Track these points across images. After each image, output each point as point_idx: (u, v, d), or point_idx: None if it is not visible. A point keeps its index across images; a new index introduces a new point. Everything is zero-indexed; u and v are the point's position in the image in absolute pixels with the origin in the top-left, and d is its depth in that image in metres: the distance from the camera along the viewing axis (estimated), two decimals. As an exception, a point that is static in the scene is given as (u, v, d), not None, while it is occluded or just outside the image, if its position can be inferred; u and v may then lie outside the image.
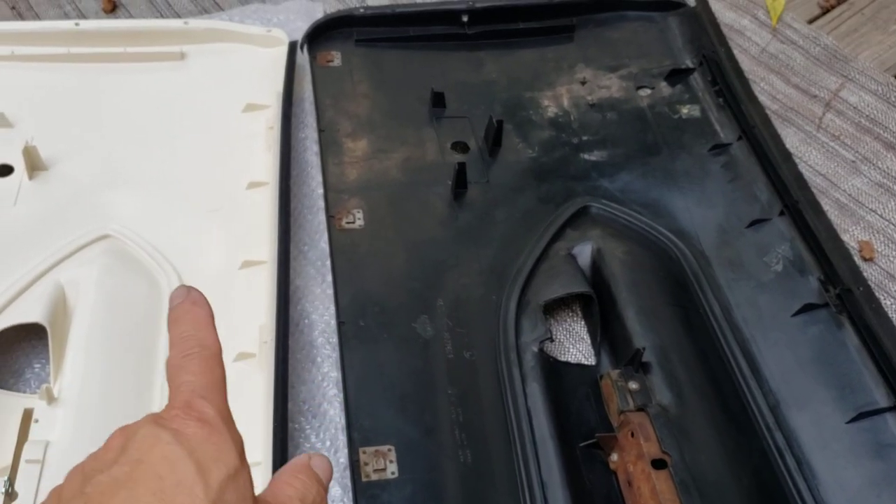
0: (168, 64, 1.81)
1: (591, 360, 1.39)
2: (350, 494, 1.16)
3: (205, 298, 0.71)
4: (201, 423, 0.59)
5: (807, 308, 1.34)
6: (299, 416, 1.33)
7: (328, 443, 1.30)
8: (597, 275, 1.43)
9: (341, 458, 1.26)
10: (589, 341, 1.41)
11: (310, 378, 1.37)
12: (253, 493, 0.60)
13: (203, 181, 1.60)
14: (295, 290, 1.47)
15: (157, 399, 1.31)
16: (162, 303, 1.42)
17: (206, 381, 0.64)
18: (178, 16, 1.99)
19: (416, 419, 1.21)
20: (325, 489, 0.70)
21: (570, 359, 1.40)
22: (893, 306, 1.44)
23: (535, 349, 1.32)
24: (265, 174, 1.57)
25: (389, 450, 1.15)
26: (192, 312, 0.69)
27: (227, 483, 0.56)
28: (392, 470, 1.14)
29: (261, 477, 1.19)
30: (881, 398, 1.22)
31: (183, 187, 1.59)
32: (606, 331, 1.39)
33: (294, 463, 0.69)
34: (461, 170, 1.50)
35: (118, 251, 1.49)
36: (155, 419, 0.60)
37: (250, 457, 1.22)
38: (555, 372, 1.33)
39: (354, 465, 1.13)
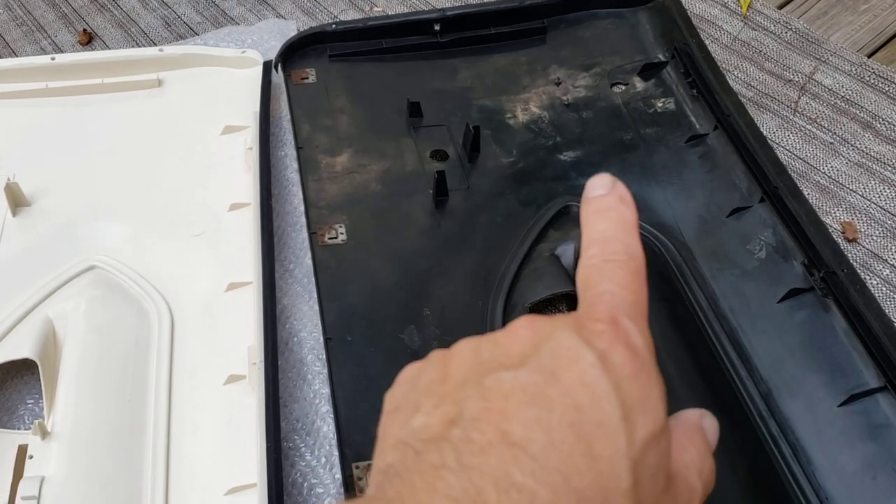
0: (145, 92, 1.82)
1: (581, 360, 1.39)
2: (347, 510, 1.16)
3: (632, 198, 0.58)
4: (630, 353, 0.47)
5: (792, 293, 1.34)
6: (293, 435, 1.33)
7: (323, 459, 1.30)
8: (581, 274, 1.43)
9: (337, 473, 1.26)
10: (578, 341, 1.41)
11: (302, 396, 1.37)
12: (669, 462, 0.48)
13: (185, 206, 1.61)
14: (282, 310, 1.47)
15: (151, 428, 1.31)
16: (150, 331, 1.43)
17: (633, 300, 0.52)
18: (154, 43, 1.99)
19: (407, 430, 1.20)
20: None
21: (559, 359, 1.40)
22: (880, 286, 1.45)
23: (524, 352, 1.32)
24: (246, 195, 1.58)
25: (382, 463, 1.15)
26: (618, 210, 0.55)
27: (651, 443, 0.45)
28: (386, 483, 1.13)
29: (257, 499, 1.19)
30: (871, 379, 1.22)
31: (166, 213, 1.60)
32: (594, 329, 1.39)
33: (685, 421, 0.57)
34: (441, 178, 1.51)
35: (105, 282, 1.50)
36: (575, 325, 0.47)
37: (244, 479, 1.24)
38: (545, 374, 1.33)
39: (348, 481, 1.12)
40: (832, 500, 1.14)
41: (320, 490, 1.27)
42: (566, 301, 1.46)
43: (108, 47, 2.00)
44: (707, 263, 1.42)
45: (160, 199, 1.62)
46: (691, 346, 1.34)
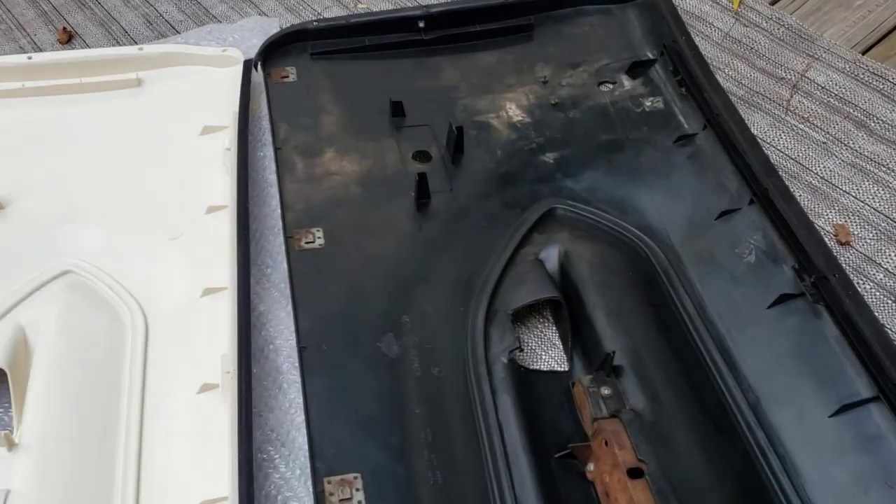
0: (125, 91, 1.78)
1: (564, 366, 1.35)
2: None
3: None
4: None
5: (782, 299, 1.30)
6: (268, 446, 1.29)
7: (297, 471, 1.26)
8: (565, 278, 1.39)
9: (311, 486, 1.22)
10: (560, 347, 1.38)
11: (277, 405, 1.33)
12: None
13: (162, 208, 1.57)
14: (258, 316, 1.43)
15: (122, 439, 1.28)
16: (124, 338, 1.39)
17: None
18: (135, 42, 1.95)
19: (383, 443, 1.17)
20: None
21: (541, 366, 1.36)
22: (873, 291, 1.41)
23: (505, 360, 1.28)
24: (224, 197, 1.54)
25: (356, 478, 1.12)
26: None
27: None
28: (359, 499, 1.10)
29: (229, 513, 1.16)
30: (863, 389, 1.18)
31: (143, 216, 1.56)
32: (577, 335, 1.35)
33: None
34: (423, 180, 1.47)
35: (79, 286, 1.46)
36: None
37: (216, 492, 1.20)
38: (526, 382, 1.30)
39: (319, 497, 1.09)
40: (822, 515, 1.10)
41: (294, 503, 1.23)
42: (550, 306, 1.42)
43: (88, 46, 1.96)
44: (695, 267, 1.38)
45: (137, 201, 1.59)
46: (677, 353, 1.30)
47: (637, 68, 1.68)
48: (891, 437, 1.13)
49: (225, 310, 1.39)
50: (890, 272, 1.42)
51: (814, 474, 1.14)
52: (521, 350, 1.32)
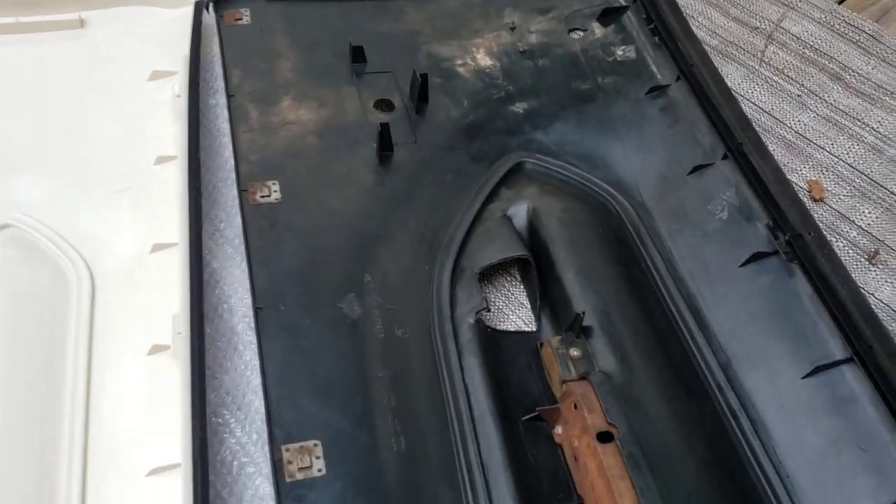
0: (66, 33, 1.67)
1: (532, 327, 1.31)
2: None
3: None
4: None
5: (756, 257, 1.26)
6: (223, 409, 1.23)
7: (255, 436, 1.21)
8: (534, 236, 1.34)
9: (269, 452, 1.17)
10: (528, 306, 1.33)
11: (232, 367, 1.27)
12: None
13: (108, 159, 1.48)
14: (212, 273, 1.36)
15: (68, 404, 1.21)
16: (69, 297, 1.32)
17: None
18: (77, -22, 1.83)
19: (344, 409, 1.12)
20: None
21: (509, 326, 1.31)
22: (846, 248, 1.38)
23: (472, 320, 1.23)
24: (174, 147, 1.46)
25: (315, 445, 1.06)
26: None
27: None
28: (319, 467, 1.05)
29: (181, 480, 1.10)
30: (837, 350, 1.15)
31: (87, 167, 1.47)
32: (546, 294, 1.31)
33: None
34: (385, 130, 1.39)
35: (20, 242, 1.37)
36: None
37: (168, 458, 1.15)
38: (493, 343, 1.25)
39: (277, 465, 1.04)
40: (793, 478, 1.08)
41: (251, 469, 1.18)
42: (518, 265, 1.38)
43: (25, -17, 1.83)
44: (666, 224, 1.34)
45: (82, 151, 1.49)
46: (648, 313, 1.26)
47: (609, 15, 1.61)
48: (864, 400, 1.10)
49: (176, 267, 1.31)
50: (863, 229, 1.39)
51: (785, 437, 1.12)
52: (489, 310, 1.27)
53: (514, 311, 1.33)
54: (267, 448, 1.17)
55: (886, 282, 1.36)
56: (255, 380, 1.25)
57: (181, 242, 1.32)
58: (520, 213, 1.36)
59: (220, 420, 1.22)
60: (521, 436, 1.16)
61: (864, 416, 1.10)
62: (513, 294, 1.35)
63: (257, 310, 1.20)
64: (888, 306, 1.33)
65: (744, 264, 1.27)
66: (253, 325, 1.28)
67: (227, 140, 1.50)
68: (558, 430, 1.17)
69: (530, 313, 1.32)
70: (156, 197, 1.42)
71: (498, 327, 1.30)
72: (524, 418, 1.17)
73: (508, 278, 1.37)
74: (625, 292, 1.28)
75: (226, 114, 1.52)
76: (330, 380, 1.14)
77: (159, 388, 1.22)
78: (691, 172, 1.38)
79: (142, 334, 1.27)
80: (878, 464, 1.06)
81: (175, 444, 1.15)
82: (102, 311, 1.31)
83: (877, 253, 1.38)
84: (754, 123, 1.41)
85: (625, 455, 1.07)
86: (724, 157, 1.37)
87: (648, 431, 1.11)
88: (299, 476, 1.04)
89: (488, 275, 1.34)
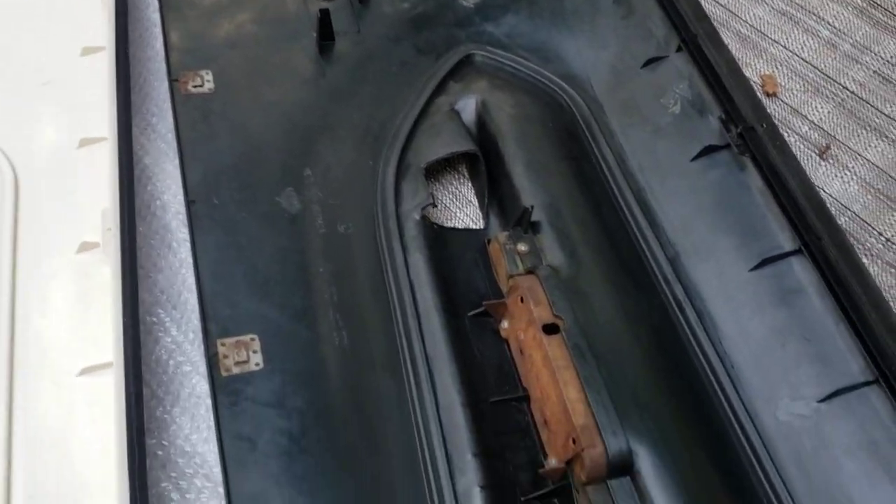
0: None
1: (479, 224, 1.27)
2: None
3: None
4: None
5: (707, 150, 1.23)
6: (157, 308, 1.19)
7: (191, 335, 1.17)
8: (483, 130, 1.30)
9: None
10: (476, 204, 1.29)
11: (166, 265, 1.22)
12: None
13: (30, 50, 1.38)
14: (143, 170, 1.30)
15: (5, 316, 1.15)
16: (-9, 194, 1.24)
17: None
18: None
19: (283, 304, 1.08)
20: None
21: (456, 224, 1.28)
22: (798, 144, 1.36)
23: (417, 216, 1.19)
24: (100, 37, 1.36)
25: (252, 339, 1.03)
26: None
27: None
28: (256, 361, 1.01)
29: (113, 378, 1.06)
30: (785, 242, 1.13)
31: (7, 58, 1.37)
32: (494, 191, 1.27)
33: None
34: (325, 18, 1.32)
35: (-64, 138, 1.29)
36: None
37: (100, 357, 1.10)
38: (439, 240, 1.21)
39: (212, 360, 1.00)
40: (738, 368, 1.07)
41: (188, 368, 1.14)
42: (466, 161, 1.33)
43: None
44: (617, 118, 1.30)
45: (0, 41, 1.40)
46: (597, 208, 1.23)
47: None
48: (811, 291, 1.09)
49: (105, 162, 1.24)
50: (815, 124, 1.37)
51: (731, 328, 1.11)
52: (435, 206, 1.24)
53: (461, 208, 1.29)
54: (205, 359, 1.13)
55: (836, 176, 1.34)
56: (191, 278, 1.20)
57: (110, 137, 1.24)
58: (468, 107, 1.31)
59: (154, 319, 1.18)
60: (467, 331, 1.14)
61: (811, 307, 1.09)
62: (460, 192, 1.31)
63: (189, 203, 1.14)
64: (837, 200, 1.32)
65: (695, 158, 1.24)
66: (187, 221, 1.22)
67: (157, 31, 1.42)
68: (504, 324, 1.15)
69: (478, 210, 1.29)
70: (82, 89, 1.34)
71: (444, 224, 1.27)
72: (470, 314, 1.15)
73: (456, 175, 1.33)
74: (574, 187, 1.25)
75: (156, 2, 1.43)
76: (267, 275, 1.10)
77: (90, 286, 1.16)
78: (644, 65, 1.33)
79: (70, 232, 1.20)
80: (822, 354, 1.05)
81: (106, 343, 1.10)
82: (27, 208, 1.24)
83: (828, 148, 1.36)
84: (709, 16, 1.37)
85: (570, 346, 1.05)
86: (678, 50, 1.32)
87: (594, 323, 1.10)
88: (235, 370, 1.00)
89: (435, 172, 1.30)
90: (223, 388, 0.99)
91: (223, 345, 1.02)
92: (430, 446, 0.99)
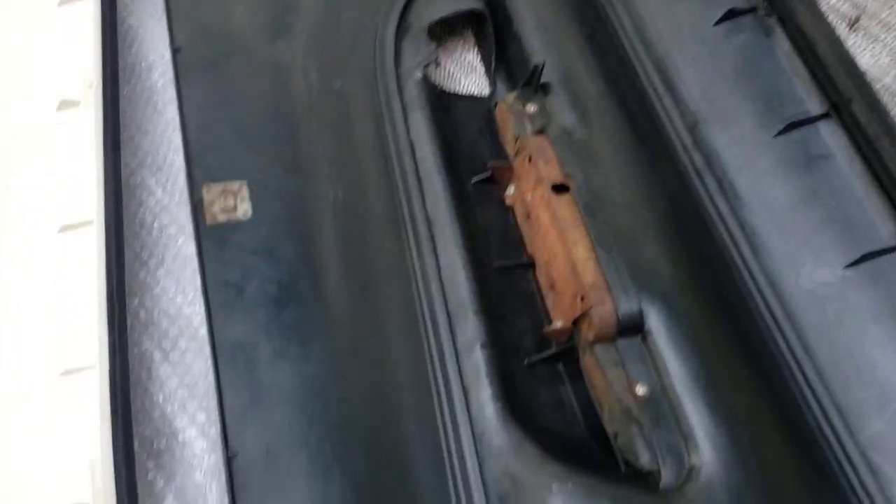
0: None
1: (485, 91, 1.20)
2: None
3: None
4: None
5: (731, 15, 1.15)
6: (142, 170, 1.12)
7: (176, 197, 1.10)
8: (490, -11, 1.22)
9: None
10: (482, 70, 1.22)
11: (152, 128, 1.15)
12: None
13: None
14: (128, 30, 1.22)
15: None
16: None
17: None
18: None
19: (274, 154, 1.01)
20: None
21: (461, 90, 1.20)
22: (827, 14, 1.27)
23: (419, 76, 1.11)
24: None
25: (241, 187, 0.96)
26: None
27: None
28: (244, 209, 0.95)
29: (94, 236, 1.00)
30: (813, 106, 1.06)
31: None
32: (502, 55, 1.19)
33: None
34: None
35: None
36: None
37: (81, 216, 1.04)
38: (443, 104, 1.14)
39: (197, 206, 0.93)
40: (759, 235, 1.00)
41: (173, 230, 1.08)
42: (472, 24, 1.25)
43: None
44: (635, -21, 1.22)
45: None
46: (611, 72, 1.15)
47: None
48: (839, 155, 1.02)
49: (87, 19, 1.17)
50: (845, -5, 1.29)
51: (752, 195, 1.03)
52: (438, 64, 1.16)
53: (466, 75, 1.21)
54: (190, 207, 1.07)
55: (866, 48, 1.26)
56: (177, 139, 1.12)
57: (91, -4, 1.17)
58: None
59: (139, 180, 1.11)
60: (471, 197, 1.07)
61: (838, 172, 1.02)
62: (466, 59, 1.23)
63: (175, 51, 1.06)
64: (866, 73, 1.23)
65: (718, 23, 1.15)
66: (174, 79, 1.15)
67: None
68: (510, 190, 1.08)
69: (484, 77, 1.21)
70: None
71: (448, 90, 1.19)
72: (474, 180, 1.08)
73: (462, 41, 1.25)
74: (588, 51, 1.16)
75: None
76: (257, 124, 1.03)
77: (70, 144, 1.09)
78: (665, -74, 1.24)
79: (49, 89, 1.13)
80: (849, 219, 0.98)
81: (87, 203, 1.04)
82: (3, 63, 1.17)
83: (857, 19, 1.28)
84: None
85: (581, 206, 0.98)
86: None
87: (607, 185, 1.03)
88: (221, 218, 0.94)
89: (439, 36, 1.22)
90: (208, 236, 0.92)
91: (209, 190, 0.95)
92: (429, 302, 0.92)
